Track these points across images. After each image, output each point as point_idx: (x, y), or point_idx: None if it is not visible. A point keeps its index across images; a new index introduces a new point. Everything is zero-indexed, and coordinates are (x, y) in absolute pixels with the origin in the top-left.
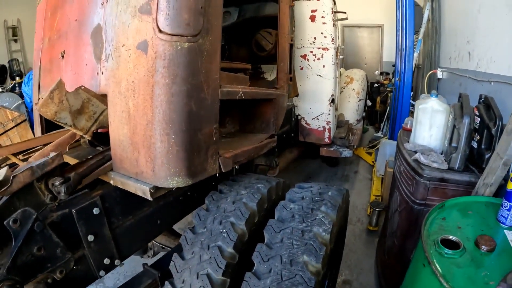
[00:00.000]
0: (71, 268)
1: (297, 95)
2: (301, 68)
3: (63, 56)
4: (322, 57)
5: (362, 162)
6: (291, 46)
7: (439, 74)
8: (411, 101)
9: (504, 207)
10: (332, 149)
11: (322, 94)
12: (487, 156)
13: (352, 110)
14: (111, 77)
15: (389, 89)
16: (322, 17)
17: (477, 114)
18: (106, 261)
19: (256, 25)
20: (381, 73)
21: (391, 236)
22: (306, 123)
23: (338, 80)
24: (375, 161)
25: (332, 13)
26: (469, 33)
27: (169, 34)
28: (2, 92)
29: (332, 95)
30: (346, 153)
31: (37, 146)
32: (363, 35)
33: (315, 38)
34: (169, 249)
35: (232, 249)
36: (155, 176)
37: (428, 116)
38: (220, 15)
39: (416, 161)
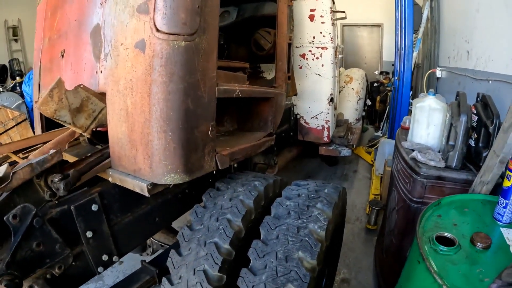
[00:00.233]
0: (69, 264)
1: (295, 94)
2: (300, 67)
3: (63, 56)
4: (321, 56)
5: (362, 161)
6: (290, 45)
7: (438, 73)
8: (410, 100)
9: (501, 204)
10: (331, 148)
11: (321, 93)
12: (484, 154)
13: (351, 109)
14: (110, 76)
15: (388, 89)
16: (321, 16)
17: (475, 112)
18: (105, 257)
19: (255, 24)
20: (381, 73)
21: (389, 234)
22: (305, 122)
23: (337, 79)
24: (375, 160)
25: (331, 13)
26: (467, 32)
27: (166, 33)
28: (3, 91)
29: (331, 94)
30: (345, 152)
31: (37, 144)
32: (363, 34)
33: (314, 38)
34: (168, 246)
35: (228, 246)
36: (152, 173)
37: (425, 114)
38: (217, 15)
39: (414, 159)
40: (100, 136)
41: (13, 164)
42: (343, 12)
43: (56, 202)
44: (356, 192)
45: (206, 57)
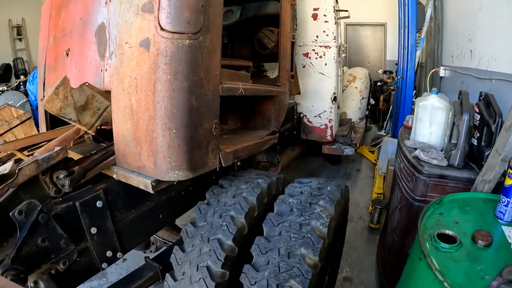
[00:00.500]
0: (74, 259)
1: (299, 93)
2: (303, 66)
3: (67, 54)
4: (324, 55)
5: (365, 160)
6: (293, 44)
7: (442, 72)
8: (414, 100)
9: (502, 203)
10: (334, 147)
11: (324, 92)
12: (487, 153)
13: (354, 108)
14: (115, 74)
15: (392, 88)
16: (324, 15)
17: (477, 111)
18: (109, 253)
19: (258, 23)
20: (385, 72)
21: (392, 233)
22: (308, 120)
23: (341, 78)
24: (378, 159)
25: (334, 12)
26: (470, 31)
27: (171, 32)
28: (7, 90)
29: (334, 93)
30: (348, 151)
31: (42, 142)
32: (367, 33)
33: (317, 36)
34: (171, 243)
35: (231, 242)
36: (156, 170)
37: (428, 113)
38: (221, 14)
39: (416, 158)
40: (104, 134)
41: (18, 161)
42: (346, 11)
43: (61, 198)
44: (359, 191)
45: (210, 56)
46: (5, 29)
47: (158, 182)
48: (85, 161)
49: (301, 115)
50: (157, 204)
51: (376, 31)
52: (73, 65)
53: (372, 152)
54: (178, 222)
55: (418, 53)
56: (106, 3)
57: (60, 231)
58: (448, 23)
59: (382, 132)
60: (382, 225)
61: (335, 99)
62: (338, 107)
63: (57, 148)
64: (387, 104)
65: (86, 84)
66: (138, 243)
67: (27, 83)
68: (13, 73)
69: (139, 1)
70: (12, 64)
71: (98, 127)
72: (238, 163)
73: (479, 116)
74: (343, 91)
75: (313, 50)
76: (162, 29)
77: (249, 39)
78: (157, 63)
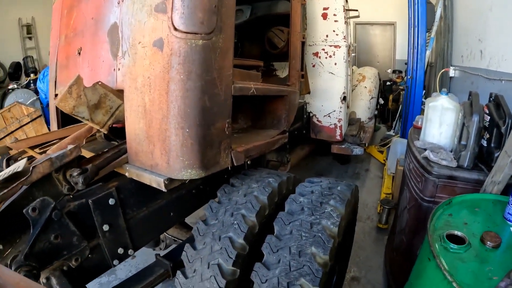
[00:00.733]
0: (86, 256)
1: (309, 92)
2: (313, 66)
3: (79, 53)
4: (334, 54)
5: (374, 160)
6: (303, 43)
7: (451, 72)
8: (423, 100)
9: (511, 204)
10: (343, 146)
11: (334, 92)
12: (496, 154)
13: (364, 108)
14: (128, 73)
15: (401, 87)
16: (334, 14)
17: (487, 112)
18: (120, 250)
19: (268, 23)
20: (394, 71)
21: (400, 233)
22: (317, 120)
23: (350, 78)
24: (387, 159)
25: (344, 11)
26: (480, 31)
27: (184, 32)
28: (17, 88)
29: (344, 93)
30: (357, 150)
31: (54, 140)
32: (376, 32)
33: (327, 36)
34: (181, 241)
35: (242, 240)
36: (169, 168)
37: (438, 114)
38: (233, 14)
39: (426, 158)
40: (116, 132)
41: (30, 159)
42: (356, 10)
43: (74, 195)
44: (367, 191)
45: (223, 56)
46: (15, 28)
47: (170, 180)
48: (98, 159)
49: (311, 114)
50: (168, 202)
51: (385, 30)
52: (85, 64)
53: (381, 152)
54: (187, 220)
55: (428, 52)
56: (118, 3)
57: (73, 228)
58: (458, 22)
59: (391, 132)
60: (390, 225)
61: (344, 98)
62: (348, 107)
63: (70, 146)
64: (396, 104)
65: (99, 83)
66: (149, 241)
67: (37, 81)
68: (23, 71)
69: (152, 2)
70: (22, 62)
71: (110, 126)
72: (248, 162)
73: (489, 117)
74: (352, 91)
75: (323, 49)
76: (175, 29)
77: (259, 38)
78: (170, 63)
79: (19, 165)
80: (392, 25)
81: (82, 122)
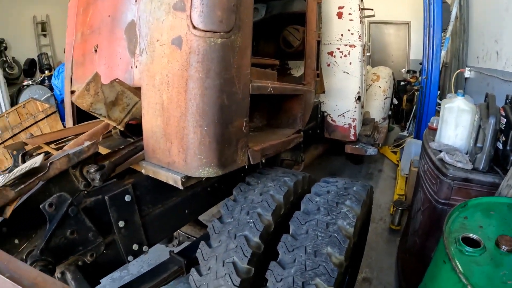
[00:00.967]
0: (101, 252)
1: (323, 92)
2: (328, 65)
3: (96, 50)
4: (348, 54)
5: (387, 161)
6: (319, 42)
7: (467, 73)
8: (438, 100)
9: None
10: (357, 146)
11: (349, 91)
12: None
13: (378, 108)
14: (145, 71)
15: (415, 88)
16: (349, 14)
17: (503, 114)
18: (135, 246)
19: (283, 21)
20: (408, 71)
21: (413, 235)
22: (332, 119)
23: (365, 78)
24: (400, 160)
25: (359, 10)
26: (497, 32)
27: (203, 30)
28: (32, 84)
29: (359, 93)
30: (371, 151)
31: (69, 136)
32: (390, 32)
33: (342, 35)
34: (194, 238)
35: (258, 239)
36: (186, 166)
37: (454, 115)
38: (251, 13)
39: (441, 160)
40: (132, 129)
41: (46, 155)
42: (371, 9)
43: (91, 191)
44: (380, 191)
45: (241, 54)
46: (30, 25)
47: (187, 178)
48: (114, 156)
49: (325, 114)
50: (183, 200)
51: (399, 29)
52: (102, 61)
53: (395, 152)
54: (200, 217)
55: (443, 53)
56: (136, 1)
57: (89, 224)
58: (474, 23)
59: (405, 133)
60: (403, 227)
61: (359, 98)
62: (362, 107)
63: (87, 143)
64: (410, 104)
65: (117, 80)
66: (164, 237)
67: (52, 78)
68: (37, 68)
69: (171, 0)
70: (36, 59)
71: (126, 123)
72: (263, 161)
73: (505, 119)
74: (366, 90)
75: (338, 48)
76: (194, 27)
77: (274, 37)
78: (189, 61)
79: (36, 161)
80: (406, 24)
81: (97, 118)
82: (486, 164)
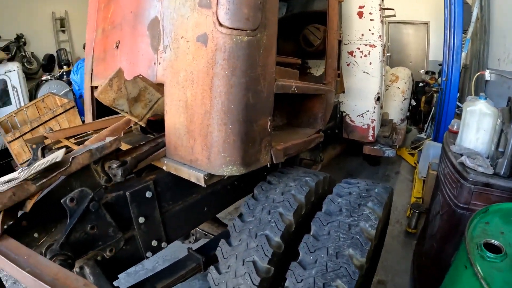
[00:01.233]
0: (120, 247)
1: (343, 92)
2: (348, 65)
3: (117, 46)
4: (369, 54)
5: (404, 163)
6: (340, 42)
7: (487, 76)
8: (458, 103)
9: None
10: (375, 147)
11: (368, 92)
12: None
13: (396, 109)
14: (169, 68)
15: (434, 89)
16: (370, 13)
17: None
18: (154, 243)
19: (304, 20)
20: (427, 72)
21: (431, 239)
22: (350, 120)
23: (384, 78)
24: (418, 162)
25: (380, 10)
26: None
27: (229, 28)
28: (51, 79)
29: (378, 93)
30: (389, 152)
31: (89, 131)
32: (409, 32)
33: (362, 35)
34: (212, 236)
35: (279, 239)
36: (210, 164)
37: (475, 119)
38: (277, 11)
39: (462, 164)
40: (152, 125)
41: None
42: (392, 9)
43: (112, 187)
44: (397, 194)
45: (267, 53)
46: (49, 21)
47: (210, 176)
48: (136, 152)
49: (344, 114)
50: (203, 197)
51: (418, 29)
52: (123, 57)
53: (412, 154)
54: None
55: (463, 54)
56: None
57: (109, 219)
58: (495, 24)
59: (423, 135)
60: (419, 230)
61: (378, 99)
62: (381, 107)
63: (109, 138)
64: (429, 106)
65: (140, 76)
66: (182, 234)
67: (71, 73)
68: (56, 63)
69: None
70: (55, 54)
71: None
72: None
73: None
74: (385, 91)
75: (358, 48)
76: (220, 24)
77: (294, 35)
78: (215, 58)
79: (57, 155)
80: (425, 24)
81: (117, 114)
82: (507, 169)
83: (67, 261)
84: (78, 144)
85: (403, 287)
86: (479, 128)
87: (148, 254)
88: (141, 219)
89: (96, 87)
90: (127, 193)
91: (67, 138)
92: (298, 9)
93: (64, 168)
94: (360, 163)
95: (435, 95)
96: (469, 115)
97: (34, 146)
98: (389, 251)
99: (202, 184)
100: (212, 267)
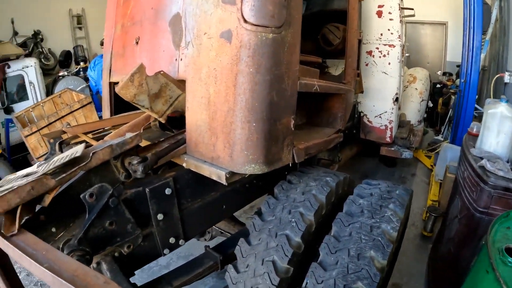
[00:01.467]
0: (138, 244)
1: (362, 92)
2: (366, 65)
3: (137, 42)
4: (388, 54)
5: (420, 165)
6: (360, 41)
7: (507, 78)
8: (476, 105)
9: None
10: (392, 149)
11: (386, 92)
12: None
13: (414, 110)
14: (191, 64)
15: (452, 91)
16: (389, 13)
17: None
18: (172, 240)
19: (323, 19)
20: (444, 73)
21: (448, 243)
22: (368, 120)
23: (402, 79)
24: (434, 165)
25: (399, 9)
26: None
27: (254, 25)
28: (68, 75)
29: (397, 94)
30: (407, 154)
31: (107, 127)
32: (427, 32)
33: (381, 34)
34: (228, 234)
35: (299, 239)
36: (232, 162)
37: (496, 122)
38: (301, 9)
39: (482, 167)
40: (171, 122)
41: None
42: (412, 9)
43: (131, 183)
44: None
45: (291, 51)
46: (66, 18)
47: (232, 174)
48: (155, 148)
49: (362, 114)
50: (221, 195)
51: (436, 30)
52: (143, 53)
53: (429, 157)
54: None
55: (482, 56)
56: None
57: (128, 216)
58: None
59: (439, 137)
60: (435, 234)
61: (397, 99)
62: (399, 108)
63: (130, 134)
64: (446, 107)
65: (161, 72)
66: (200, 232)
67: (88, 70)
68: (73, 59)
69: None
70: (72, 51)
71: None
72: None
73: None
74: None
75: (377, 48)
76: (245, 21)
77: (313, 34)
78: (239, 55)
79: (77, 150)
80: (443, 25)
81: (135, 110)
82: None
83: (85, 256)
84: (96, 139)
85: None
86: (499, 132)
87: (166, 251)
88: (160, 216)
89: (115, 83)
90: (147, 190)
91: (85, 133)
92: (317, 8)
93: (84, 163)
94: (375, 164)
95: (452, 96)
96: (490, 118)
97: (51, 140)
98: (404, 254)
99: (224, 182)
100: (230, 265)
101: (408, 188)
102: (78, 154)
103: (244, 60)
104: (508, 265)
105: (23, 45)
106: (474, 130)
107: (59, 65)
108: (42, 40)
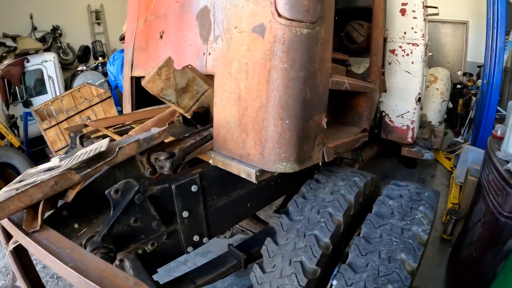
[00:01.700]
0: (162, 241)
1: (385, 91)
2: (389, 63)
3: (161, 36)
4: (411, 53)
5: (440, 167)
6: (385, 39)
7: None
8: (498, 107)
9: None
10: (414, 149)
11: (409, 92)
12: None
13: (435, 110)
14: (220, 58)
15: (473, 92)
16: (413, 11)
17: None
18: (196, 238)
19: (347, 16)
20: (464, 74)
21: (469, 246)
22: (390, 120)
23: (425, 78)
24: (454, 167)
25: (423, 8)
26: None
27: (289, 19)
28: (86, 70)
29: (419, 94)
30: (428, 155)
31: (129, 121)
32: (447, 31)
33: (404, 33)
34: (249, 232)
35: (328, 240)
36: (263, 159)
37: None
38: (333, 5)
39: (509, 171)
40: (196, 117)
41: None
42: (436, 8)
43: (157, 179)
44: None
45: (324, 47)
46: (85, 14)
47: (262, 172)
48: (181, 144)
49: (383, 113)
50: (247, 193)
51: (456, 29)
52: (168, 47)
53: (449, 159)
54: None
55: (505, 56)
56: None
57: (154, 213)
58: None
59: (459, 139)
60: (455, 237)
61: (419, 99)
62: (421, 109)
63: (156, 129)
64: (466, 109)
65: (189, 66)
66: (224, 230)
67: (107, 64)
68: (91, 54)
69: None
70: (91, 46)
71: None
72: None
73: None
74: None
75: (400, 47)
76: (279, 15)
77: (337, 31)
78: (273, 50)
79: (102, 145)
80: (464, 24)
81: (158, 104)
82: None
83: (109, 254)
84: (118, 134)
85: None
86: None
87: (189, 249)
88: (185, 213)
89: (137, 78)
90: (173, 186)
91: (107, 128)
92: (342, 5)
93: (110, 158)
94: (395, 164)
95: (473, 97)
96: None
97: (72, 134)
98: (424, 257)
99: (253, 180)
100: (256, 265)
101: (437, 190)
102: (103, 149)
103: (278, 56)
104: None
105: (42, 40)
106: (499, 132)
107: (78, 60)
108: (60, 35)
